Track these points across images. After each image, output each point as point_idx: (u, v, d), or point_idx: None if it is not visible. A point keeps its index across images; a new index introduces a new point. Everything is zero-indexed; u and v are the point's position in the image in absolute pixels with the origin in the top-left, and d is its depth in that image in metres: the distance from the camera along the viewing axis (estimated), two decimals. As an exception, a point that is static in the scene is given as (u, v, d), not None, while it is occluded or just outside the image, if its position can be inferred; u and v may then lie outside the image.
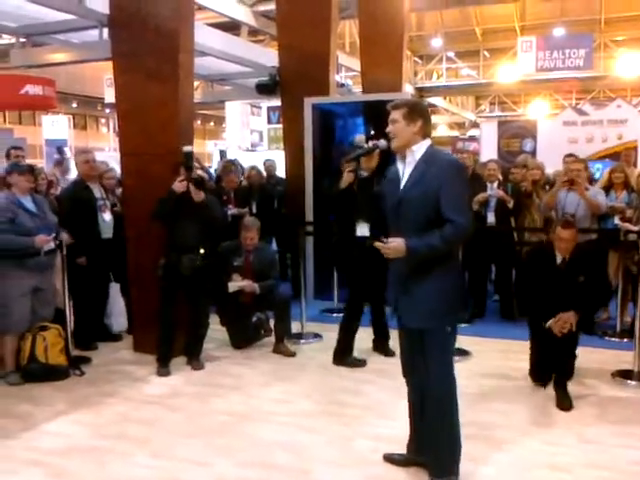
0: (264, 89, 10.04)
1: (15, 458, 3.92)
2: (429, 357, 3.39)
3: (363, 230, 5.39)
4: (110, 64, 6.07)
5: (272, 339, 6.02)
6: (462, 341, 4.68)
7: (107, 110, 26.66)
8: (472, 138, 19.53)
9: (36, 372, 5.17)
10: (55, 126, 18.91)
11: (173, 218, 5.29)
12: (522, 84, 24.89)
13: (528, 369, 5.13)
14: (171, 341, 5.49)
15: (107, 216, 6.12)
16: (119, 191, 6.72)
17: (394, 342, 5.09)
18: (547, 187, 7.45)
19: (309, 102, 7.78)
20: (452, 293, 3.35)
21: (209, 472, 3.74)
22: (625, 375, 5.19)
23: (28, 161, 7.70)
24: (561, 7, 24.44)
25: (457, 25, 26.68)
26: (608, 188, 6.86)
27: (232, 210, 7.59)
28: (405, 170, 3.35)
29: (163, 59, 5.60)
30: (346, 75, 18.96)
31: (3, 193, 5.25)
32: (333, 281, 7.39)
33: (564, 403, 4.56)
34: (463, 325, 5.04)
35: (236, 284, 5.88)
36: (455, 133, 32.98)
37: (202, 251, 5.39)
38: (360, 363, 5.58)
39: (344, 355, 5.60)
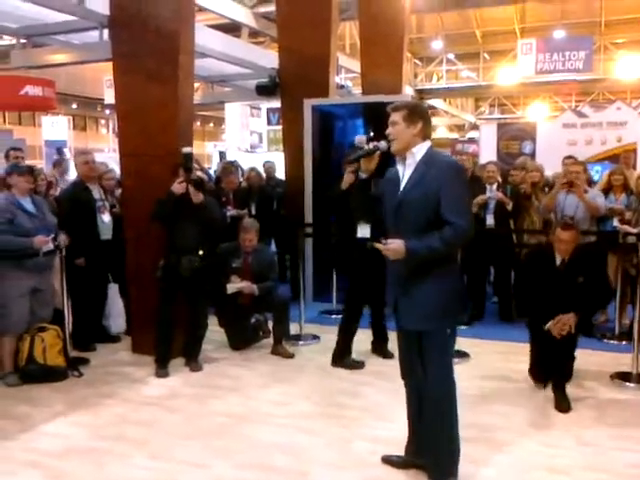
0: (264, 90, 10.03)
1: (13, 459, 3.92)
2: (428, 359, 3.39)
3: (364, 232, 5.39)
4: (110, 65, 6.06)
5: (271, 340, 6.02)
6: (461, 343, 4.67)
7: (107, 111, 26.64)
8: (471, 140, 19.57)
9: (34, 373, 5.16)
10: (55, 127, 18.91)
11: (172, 219, 5.29)
12: (522, 86, 24.92)
13: (527, 369, 5.13)
14: (169, 342, 5.48)
15: (106, 217, 6.12)
16: (118, 192, 6.72)
17: (392, 344, 5.08)
18: (546, 189, 7.45)
19: (309, 103, 7.78)
20: (451, 295, 3.35)
21: (207, 474, 3.73)
22: (624, 377, 5.19)
23: (27, 162, 7.72)
24: (561, 9, 24.45)
25: (457, 27, 26.71)
26: (607, 190, 6.86)
27: (231, 211, 7.58)
28: (405, 172, 3.36)
29: (163, 60, 5.60)
30: (346, 77, 18.96)
31: (2, 194, 5.25)
32: (332, 283, 7.40)
33: (563, 405, 4.57)
34: (462, 327, 5.05)
35: (235, 285, 5.88)
36: (454, 135, 33.05)
37: (201, 252, 5.39)
38: (358, 365, 5.58)
39: (342, 357, 5.60)
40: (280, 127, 10.64)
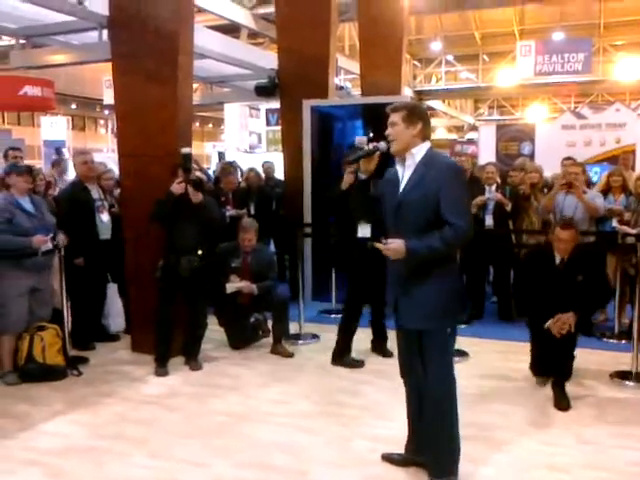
0: (263, 91, 10.04)
1: (13, 458, 3.92)
2: (428, 358, 3.39)
3: (364, 231, 5.40)
4: (109, 65, 6.07)
5: (270, 340, 6.02)
6: (460, 342, 4.65)
7: (106, 111, 26.67)
8: (470, 141, 19.57)
9: (34, 372, 5.16)
10: (54, 127, 18.91)
11: (171, 220, 5.29)
12: (521, 88, 24.96)
13: (528, 365, 5.16)
14: (169, 341, 5.49)
15: (105, 217, 6.12)
16: (117, 192, 6.73)
17: (392, 343, 5.08)
18: (545, 190, 7.46)
19: (308, 104, 7.79)
20: (451, 294, 3.35)
21: (207, 473, 3.73)
22: (623, 376, 5.20)
23: (26, 162, 7.72)
24: (560, 12, 24.50)
25: (456, 29, 26.74)
26: (606, 191, 6.88)
27: (230, 211, 7.59)
28: (404, 173, 3.36)
29: (162, 61, 5.60)
30: (345, 78, 18.99)
31: (1, 194, 5.25)
32: (331, 282, 7.40)
33: (562, 404, 4.57)
34: (462, 326, 5.04)
35: (234, 285, 5.88)
36: (453, 136, 33.07)
37: (200, 252, 5.39)
38: (358, 364, 5.58)
39: (342, 356, 5.60)
40: (279, 128, 10.64)
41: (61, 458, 3.91)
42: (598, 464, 3.77)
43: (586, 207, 6.39)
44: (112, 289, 6.33)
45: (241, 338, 6.09)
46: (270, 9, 14.06)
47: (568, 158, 7.95)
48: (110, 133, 27.35)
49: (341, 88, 14.15)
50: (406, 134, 3.31)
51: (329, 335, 6.16)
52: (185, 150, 5.36)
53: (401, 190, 3.33)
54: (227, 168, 8.74)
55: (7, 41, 14.15)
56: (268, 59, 11.37)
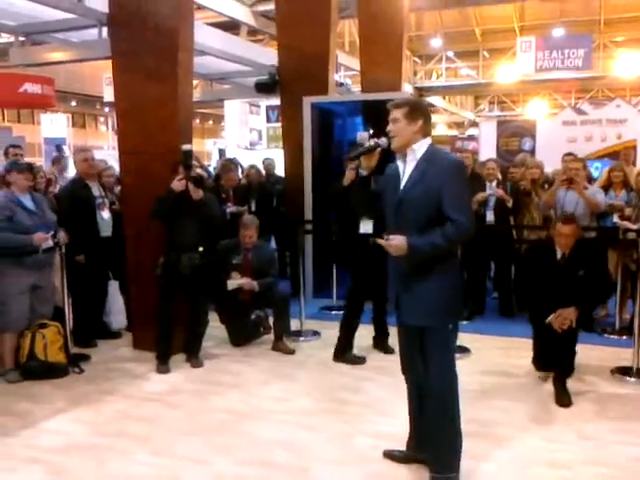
0: (263, 88, 10.04)
1: (14, 456, 3.92)
2: (430, 355, 3.39)
3: (367, 227, 5.40)
4: (109, 63, 6.06)
5: (271, 337, 6.02)
6: (462, 338, 4.68)
7: (106, 109, 26.65)
8: (471, 137, 19.54)
9: (35, 370, 5.17)
10: (54, 124, 18.89)
11: (172, 217, 5.29)
12: (521, 84, 24.92)
13: (531, 359, 5.17)
14: (170, 339, 5.49)
15: (106, 214, 6.11)
16: (117, 189, 6.72)
17: (393, 339, 5.08)
18: (546, 186, 7.46)
19: (308, 101, 7.78)
20: (453, 291, 3.35)
21: (208, 470, 3.73)
22: (624, 372, 5.20)
23: (27, 159, 7.71)
24: (560, 8, 24.45)
25: (456, 25, 26.70)
26: (607, 187, 6.88)
27: (231, 208, 7.59)
28: (405, 169, 3.35)
29: (162, 58, 5.59)
30: (345, 74, 18.98)
31: (2, 191, 5.25)
32: (332, 279, 7.40)
33: (563, 400, 4.57)
34: (463, 322, 5.05)
35: (235, 282, 5.88)
36: (454, 132, 32.99)
37: (201, 249, 5.39)
38: (360, 360, 5.58)
39: (344, 352, 5.60)
40: (279, 124, 10.65)
41: (63, 456, 3.91)
42: (599, 460, 3.77)
43: (587, 203, 6.39)
44: (113, 286, 6.34)
45: (242, 335, 6.09)
46: (270, 6, 14.05)
47: (569, 154, 7.95)
48: (110, 130, 27.33)
49: (341, 85, 14.15)
50: (407, 130, 3.30)
51: (330, 332, 6.16)
52: (186, 147, 5.36)
53: (402, 186, 3.33)
54: (228, 165, 8.75)
55: (6, 38, 14.13)
56: (268, 56, 11.37)
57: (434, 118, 30.27)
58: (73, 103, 27.21)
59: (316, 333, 6.43)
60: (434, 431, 3.46)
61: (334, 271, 7.33)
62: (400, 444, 3.77)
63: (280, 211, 8.74)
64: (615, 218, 6.52)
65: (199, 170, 5.64)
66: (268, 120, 20.50)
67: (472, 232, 3.28)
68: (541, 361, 5.06)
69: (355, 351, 5.66)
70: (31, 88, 11.54)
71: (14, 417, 4.48)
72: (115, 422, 4.40)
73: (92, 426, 4.35)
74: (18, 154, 7.11)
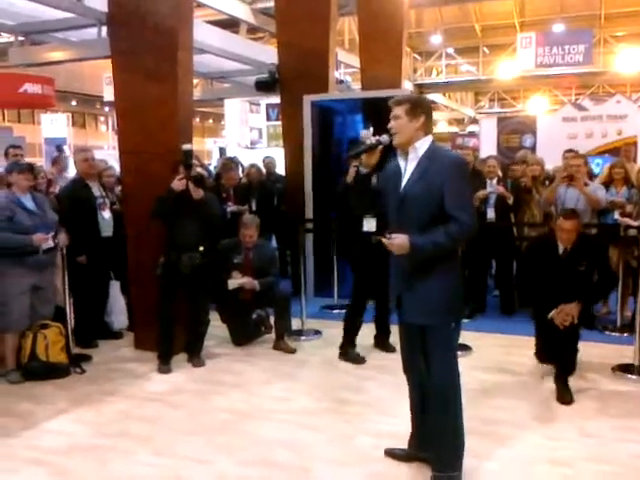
0: (263, 86, 10.04)
1: (16, 457, 3.92)
2: (432, 354, 3.38)
3: (370, 225, 5.39)
4: (109, 62, 6.05)
5: (272, 336, 6.02)
6: (463, 336, 4.64)
7: (106, 108, 26.68)
8: (471, 134, 19.55)
9: (37, 370, 5.17)
10: (54, 124, 18.89)
11: (172, 216, 5.28)
12: (521, 80, 24.91)
13: (534, 351, 5.17)
14: (171, 338, 5.49)
15: (106, 214, 6.11)
16: (118, 189, 6.72)
17: (394, 338, 5.08)
18: (547, 183, 7.45)
19: (308, 99, 7.77)
20: (454, 289, 3.35)
21: (210, 470, 3.73)
22: (626, 369, 5.19)
23: (27, 160, 7.70)
24: (560, 3, 24.45)
25: (456, 21, 26.67)
26: (608, 183, 6.86)
27: (231, 207, 7.58)
28: (407, 167, 3.34)
29: (162, 57, 5.59)
30: (345, 72, 18.97)
31: (3, 192, 5.25)
32: (333, 278, 7.39)
33: (565, 397, 4.57)
34: (464, 320, 5.04)
35: (236, 281, 5.88)
36: (454, 129, 33.01)
37: (201, 249, 5.39)
38: (360, 360, 5.57)
39: (347, 350, 5.61)
40: (280, 123, 10.64)
41: (65, 457, 3.91)
42: (601, 457, 3.77)
43: (588, 199, 6.38)
44: (115, 286, 6.34)
45: (243, 334, 6.09)
46: (269, 3, 14.05)
47: (570, 150, 7.93)
48: (111, 130, 27.34)
49: (341, 82, 14.14)
50: (409, 127, 3.29)
51: (331, 331, 6.17)
52: (186, 146, 5.36)
53: (404, 184, 3.31)
54: (228, 164, 8.74)
55: (6, 38, 14.15)
56: (268, 54, 11.36)
57: (434, 115, 30.25)
58: (73, 103, 27.26)
59: (317, 332, 6.42)
60: (436, 430, 3.45)
61: (335, 270, 7.32)
62: (402, 443, 3.77)
63: (281, 210, 8.73)
64: (616, 215, 6.52)
65: (199, 169, 5.64)
66: (268, 118, 20.51)
67: (475, 231, 3.27)
68: (543, 354, 5.06)
69: (357, 350, 5.65)
70: (31, 88, 11.55)
71: (16, 418, 4.48)
72: (117, 422, 4.40)
73: (94, 426, 4.35)
74: (18, 154, 7.10)
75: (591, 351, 5.44)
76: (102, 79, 16.99)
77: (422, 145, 3.30)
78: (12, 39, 10.26)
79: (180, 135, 5.63)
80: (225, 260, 5.96)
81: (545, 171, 7.78)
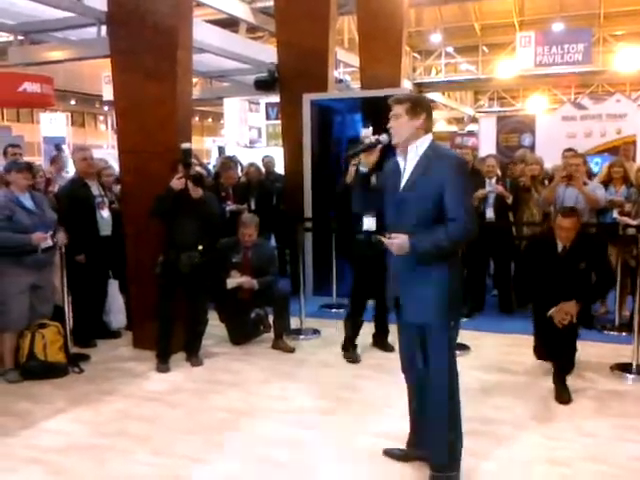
0: (263, 85, 10.04)
1: (14, 456, 3.92)
2: (431, 353, 3.38)
3: (369, 225, 5.38)
4: (108, 61, 6.05)
5: (271, 335, 6.02)
6: (462, 335, 4.68)
7: (105, 107, 26.66)
8: (471, 133, 19.55)
9: (35, 370, 5.17)
10: (53, 124, 18.87)
11: (171, 215, 5.28)
12: (521, 79, 24.88)
13: (533, 347, 5.17)
14: (170, 337, 5.48)
15: (105, 213, 6.10)
16: (117, 188, 6.72)
17: (393, 337, 5.08)
18: (546, 182, 7.45)
19: (308, 98, 7.77)
20: (454, 288, 3.34)
21: (208, 469, 3.74)
22: (624, 369, 5.19)
23: (26, 159, 7.70)
24: (560, 2, 24.43)
25: (456, 20, 26.65)
26: (607, 182, 6.86)
27: (231, 206, 7.58)
28: (407, 165, 3.33)
29: (161, 56, 5.58)
30: (344, 71, 18.97)
31: (1, 191, 5.25)
32: (332, 277, 7.39)
33: (563, 397, 4.57)
34: (463, 320, 5.04)
35: (235, 280, 5.88)
36: (454, 128, 32.99)
37: (200, 248, 5.39)
38: (353, 360, 5.58)
39: (347, 349, 5.63)
40: (279, 122, 10.63)
41: (63, 456, 3.91)
42: (599, 457, 3.78)
43: (587, 198, 6.37)
44: (113, 285, 6.34)
45: (242, 334, 6.09)
46: (269, 2, 14.04)
47: (569, 149, 7.93)
48: (110, 129, 27.34)
49: (340, 81, 14.14)
50: (409, 126, 3.28)
51: (330, 330, 6.18)
52: (185, 145, 5.35)
53: (403, 183, 3.31)
54: (227, 163, 8.73)
55: (5, 37, 14.14)
56: (267, 53, 11.36)
57: (434, 114, 30.26)
58: (72, 102, 27.25)
59: (316, 331, 6.42)
60: (434, 429, 3.45)
61: (334, 269, 7.31)
62: (400, 442, 3.77)
63: (280, 209, 8.73)
64: (615, 214, 6.51)
65: (198, 168, 5.64)
66: (267, 117, 20.51)
67: (475, 231, 3.27)
68: (542, 351, 5.06)
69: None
70: (30, 87, 11.54)
71: (14, 417, 4.48)
72: (115, 422, 4.40)
73: (92, 426, 4.35)
74: (17, 153, 7.10)
75: (589, 350, 5.44)
76: (101, 78, 16.97)
77: (422, 144, 3.30)
78: (11, 38, 10.25)
79: (179, 134, 5.63)
80: (224, 259, 5.96)
81: (544, 170, 7.77)
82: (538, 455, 3.81)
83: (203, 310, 5.63)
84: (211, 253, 5.60)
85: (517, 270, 6.08)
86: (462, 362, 3.76)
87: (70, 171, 9.09)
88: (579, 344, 4.84)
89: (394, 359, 3.86)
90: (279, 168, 9.64)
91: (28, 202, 5.20)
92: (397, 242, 3.21)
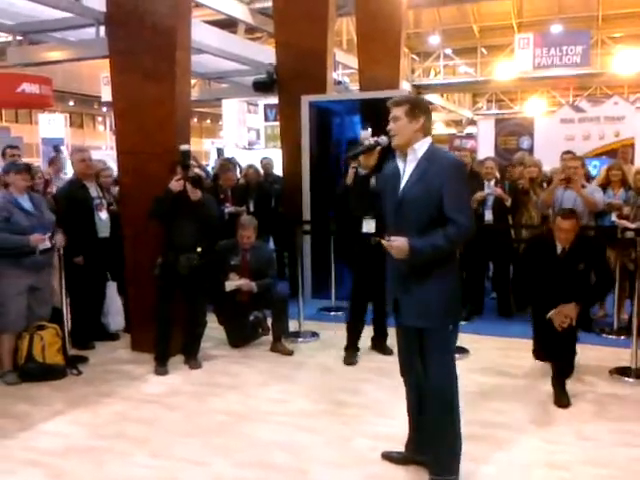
0: (261, 87, 10.03)
1: (13, 458, 3.91)
2: (430, 356, 3.38)
3: (369, 227, 5.38)
4: (107, 62, 6.04)
5: (270, 338, 6.01)
6: (460, 339, 4.61)
7: (104, 108, 26.63)
8: (469, 135, 19.53)
9: (33, 372, 5.15)
10: (52, 124, 18.86)
11: (170, 217, 5.27)
12: (519, 81, 24.91)
13: (532, 349, 5.16)
14: (168, 340, 5.47)
15: (104, 215, 6.09)
16: (115, 190, 6.70)
17: (392, 340, 5.07)
18: (544, 184, 7.45)
19: (306, 100, 7.76)
20: (452, 291, 3.34)
21: (207, 472, 3.73)
22: (623, 372, 5.19)
23: (25, 160, 7.68)
24: (558, 4, 24.47)
25: (454, 22, 26.69)
26: (605, 185, 6.86)
27: (229, 208, 7.57)
28: (406, 168, 3.32)
29: (160, 57, 5.58)
30: (343, 72, 18.97)
31: (0, 192, 5.24)
32: (330, 280, 7.38)
33: (562, 401, 4.57)
34: (461, 323, 5.04)
35: (233, 283, 5.87)
36: (452, 130, 33.01)
37: (199, 250, 5.38)
38: (350, 362, 5.58)
39: (347, 351, 5.62)
40: (277, 123, 10.63)
41: (61, 458, 3.91)
42: (598, 461, 3.77)
43: (585, 201, 6.37)
44: (111, 287, 6.31)
45: (241, 336, 6.08)
46: (267, 3, 14.01)
47: (567, 152, 7.93)
48: (108, 130, 27.32)
49: (339, 83, 14.13)
50: (409, 128, 3.27)
51: (329, 333, 6.18)
52: (184, 147, 5.35)
53: (402, 186, 3.30)
54: (226, 165, 8.74)
55: (4, 37, 14.13)
56: (266, 54, 11.36)
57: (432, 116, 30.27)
58: (71, 103, 27.24)
59: (315, 334, 6.41)
60: (433, 433, 3.45)
61: (333, 272, 7.30)
62: (399, 445, 3.77)
63: (278, 211, 8.72)
64: (613, 217, 6.51)
65: (197, 170, 5.62)
66: (266, 119, 20.51)
67: (473, 233, 3.27)
68: (541, 352, 5.06)
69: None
70: (29, 88, 11.54)
71: (12, 419, 4.47)
72: (113, 424, 4.39)
73: (90, 428, 4.34)
74: (15, 154, 7.07)
75: (588, 354, 5.44)
76: (100, 79, 16.97)
77: (421, 146, 3.29)
78: (10, 39, 10.23)
79: (178, 135, 5.62)
80: (222, 261, 5.95)
81: (543, 173, 7.77)
82: (537, 459, 3.81)
83: (202, 312, 5.62)
84: (210, 255, 5.60)
85: (516, 273, 6.07)
86: (461, 365, 3.76)
87: (68, 172, 9.08)
88: (578, 347, 4.84)
89: (393, 362, 3.86)
90: (278, 170, 9.63)
91: (26, 203, 5.19)
92: (396, 245, 3.20)
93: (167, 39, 5.56)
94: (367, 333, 5.85)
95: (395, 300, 3.43)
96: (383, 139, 3.43)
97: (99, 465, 3.82)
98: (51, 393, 4.96)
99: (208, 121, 34.92)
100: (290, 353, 5.86)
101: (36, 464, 3.83)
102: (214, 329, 6.06)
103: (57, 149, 15.01)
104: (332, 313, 7.18)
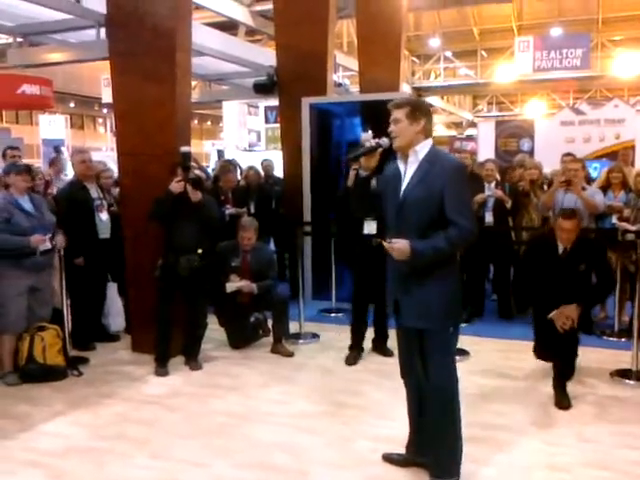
0: (262, 89, 10.04)
1: (13, 459, 3.91)
2: (430, 358, 3.38)
3: (370, 228, 5.38)
4: (107, 64, 6.05)
5: (270, 339, 6.00)
6: (461, 341, 4.66)
7: (104, 110, 26.64)
8: (469, 138, 19.54)
9: (34, 372, 5.15)
10: (52, 126, 18.87)
11: (170, 219, 5.27)
12: (519, 84, 24.93)
13: (532, 347, 5.13)
14: (169, 341, 5.47)
15: (104, 216, 6.09)
16: (116, 191, 6.71)
17: (392, 342, 5.07)
18: (545, 187, 7.45)
19: (307, 102, 7.77)
20: (453, 293, 3.34)
21: (207, 473, 3.73)
22: (623, 374, 5.19)
23: (25, 161, 7.69)
24: (558, 7, 24.50)
25: (455, 25, 26.73)
26: (606, 188, 6.86)
27: (230, 210, 7.56)
28: (407, 170, 3.33)
29: (160, 59, 5.58)
30: (343, 75, 18.97)
31: (0, 193, 5.24)
32: (331, 281, 7.38)
33: (563, 402, 4.56)
34: (462, 325, 5.04)
35: (234, 284, 5.86)
36: (452, 132, 33.01)
37: (200, 251, 5.37)
38: (350, 362, 5.59)
39: (351, 349, 5.63)
40: (278, 125, 10.64)
41: (62, 459, 3.90)
42: (599, 463, 3.77)
43: (585, 204, 6.36)
44: (112, 288, 6.32)
45: (241, 338, 6.08)
46: (268, 6, 14.00)
47: (568, 154, 7.93)
48: (109, 132, 27.33)
49: (339, 85, 14.15)
50: (410, 130, 3.27)
51: (329, 334, 6.17)
52: (184, 149, 5.34)
53: (404, 188, 3.30)
54: (226, 166, 8.73)
55: (4, 39, 14.14)
56: (266, 56, 11.38)
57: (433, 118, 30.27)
58: (71, 104, 27.25)
59: (315, 336, 6.40)
60: (434, 435, 3.45)
61: (333, 273, 7.30)
62: (399, 447, 3.76)
63: (279, 213, 8.72)
64: (614, 219, 6.51)
65: (197, 172, 5.63)
66: (267, 121, 20.53)
67: (475, 235, 3.27)
68: (542, 351, 5.05)
69: (348, 352, 5.67)
70: (29, 89, 11.55)
71: (13, 420, 4.47)
72: (114, 425, 4.39)
73: (91, 429, 4.33)
74: (16, 156, 7.08)
75: (589, 356, 5.43)
76: (100, 81, 16.98)
77: (422, 149, 3.29)
78: (11, 40, 10.26)
79: (178, 137, 5.62)
80: (223, 263, 5.95)
81: (543, 175, 7.78)
82: (538, 461, 3.80)
83: (202, 314, 5.61)
84: (210, 257, 5.60)
85: (516, 275, 6.06)
86: (462, 367, 3.76)
87: (69, 174, 9.08)
88: (579, 350, 4.83)
89: (393, 364, 3.85)
90: (278, 172, 9.63)
91: (27, 204, 5.19)
92: (398, 247, 3.20)
93: (167, 41, 5.56)
94: (368, 335, 5.84)
95: (395, 301, 3.43)
96: (384, 141, 3.42)
97: (99, 466, 3.81)
98: (52, 394, 4.96)
99: (209, 123, 34.93)
100: (291, 354, 5.85)
101: (36, 465, 3.83)
102: (215, 330, 6.05)
103: (57, 150, 15.03)
104: (332, 314, 7.17)
